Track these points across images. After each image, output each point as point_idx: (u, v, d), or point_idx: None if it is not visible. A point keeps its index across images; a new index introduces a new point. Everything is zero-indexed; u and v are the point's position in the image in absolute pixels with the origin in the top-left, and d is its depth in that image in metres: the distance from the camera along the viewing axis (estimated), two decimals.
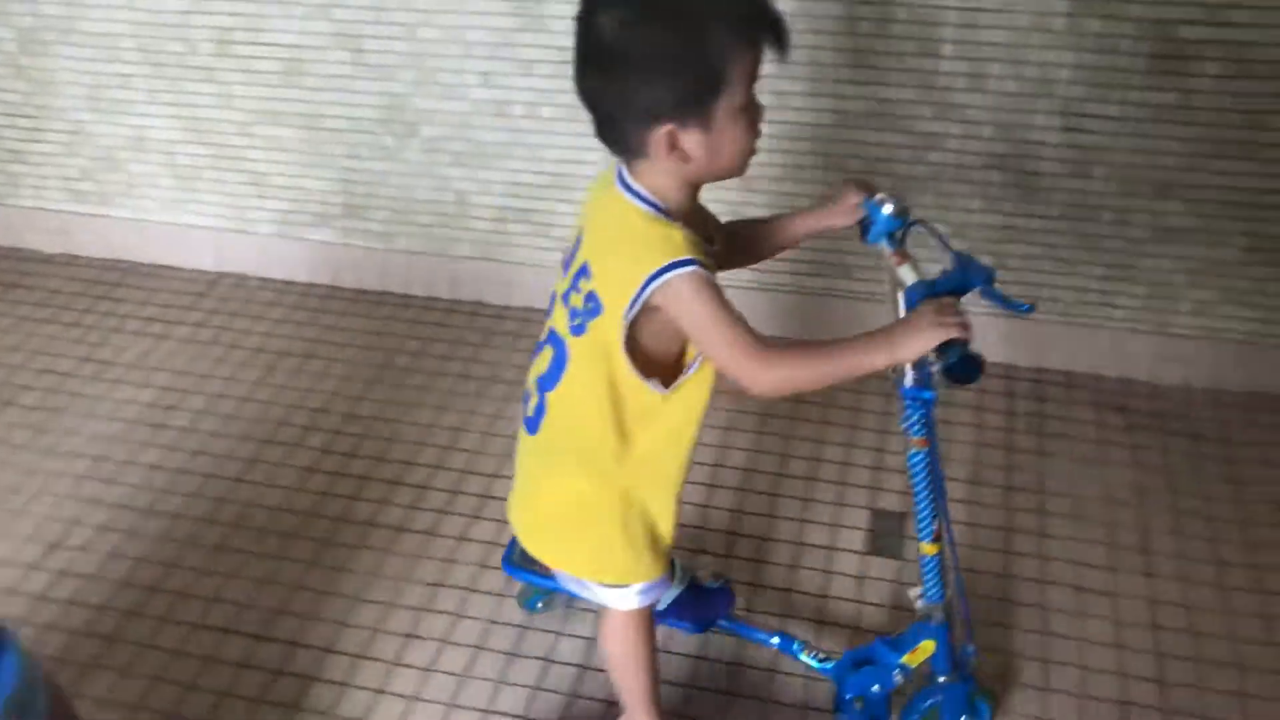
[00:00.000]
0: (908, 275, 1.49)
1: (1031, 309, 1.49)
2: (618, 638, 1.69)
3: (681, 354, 1.46)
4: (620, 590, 1.62)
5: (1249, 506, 2.25)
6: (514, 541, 1.90)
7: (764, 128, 2.50)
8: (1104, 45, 2.21)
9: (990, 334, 2.56)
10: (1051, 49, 2.24)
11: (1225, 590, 2.07)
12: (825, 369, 1.40)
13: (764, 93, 2.43)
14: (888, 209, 1.54)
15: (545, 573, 1.77)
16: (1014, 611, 2.04)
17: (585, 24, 1.34)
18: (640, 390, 1.44)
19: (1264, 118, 2.22)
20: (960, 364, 1.36)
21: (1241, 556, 2.14)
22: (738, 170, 1.42)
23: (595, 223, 1.48)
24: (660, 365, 1.45)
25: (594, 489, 1.54)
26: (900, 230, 1.55)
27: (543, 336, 1.56)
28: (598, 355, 1.43)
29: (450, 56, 2.57)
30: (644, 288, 1.35)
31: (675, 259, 1.35)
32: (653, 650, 1.72)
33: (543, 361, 1.54)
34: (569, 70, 2.45)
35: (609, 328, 1.40)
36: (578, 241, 1.50)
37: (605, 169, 1.49)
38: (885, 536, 2.20)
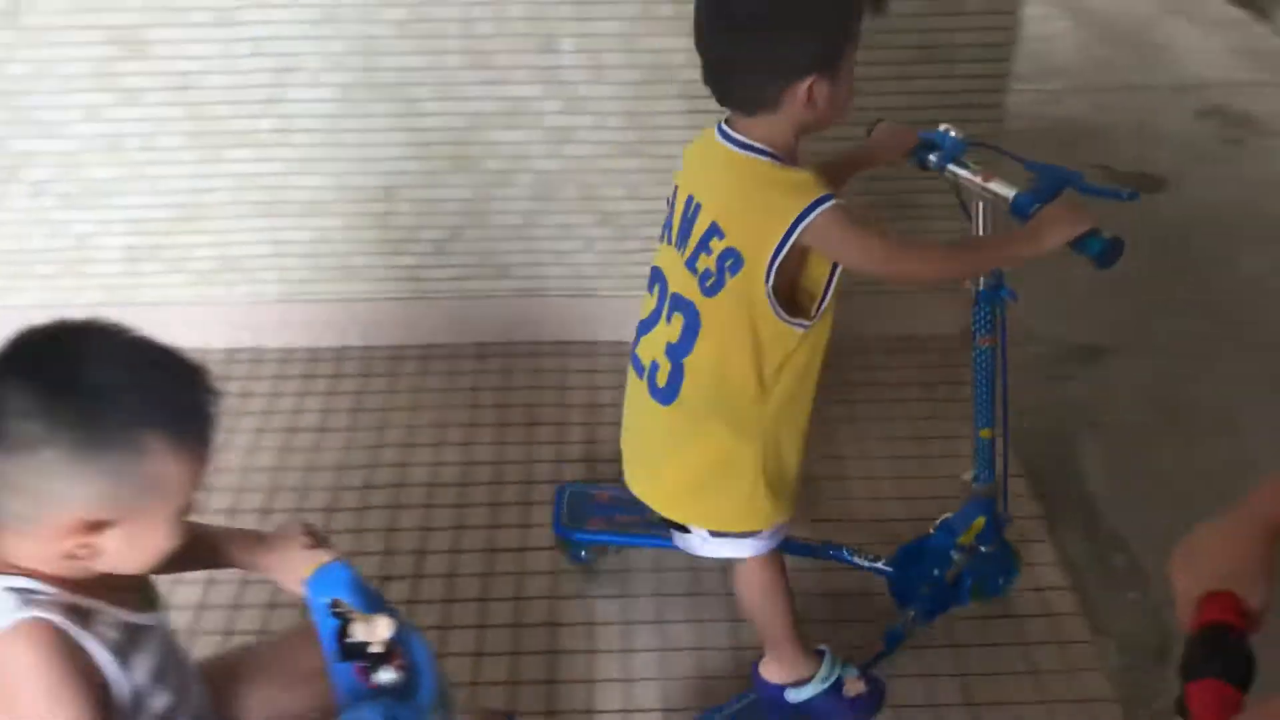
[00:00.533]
0: (1004, 187, 1.60)
1: (1135, 195, 1.57)
2: (756, 581, 1.76)
3: (798, 291, 1.52)
4: (753, 538, 1.69)
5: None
6: (559, 505, 2.07)
7: (396, 135, 2.49)
8: None
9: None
10: (663, 35, 2.32)
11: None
12: (976, 259, 1.63)
13: (394, 100, 2.41)
14: (955, 133, 1.68)
15: (594, 529, 1.98)
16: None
17: None
18: (783, 333, 1.52)
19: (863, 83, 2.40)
20: (1107, 247, 1.50)
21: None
22: (838, 119, 1.52)
23: (714, 184, 1.54)
24: (792, 305, 1.52)
25: (738, 442, 1.60)
26: (964, 153, 1.66)
27: (646, 313, 1.64)
28: (739, 308, 1.50)
29: (46, 92, 2.36)
30: (791, 230, 1.44)
31: (815, 198, 1.45)
32: (787, 583, 1.78)
33: (670, 331, 1.58)
34: (184, 96, 2.36)
35: (752, 278, 1.48)
36: (693, 208, 1.54)
37: (698, 136, 1.60)
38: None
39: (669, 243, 1.60)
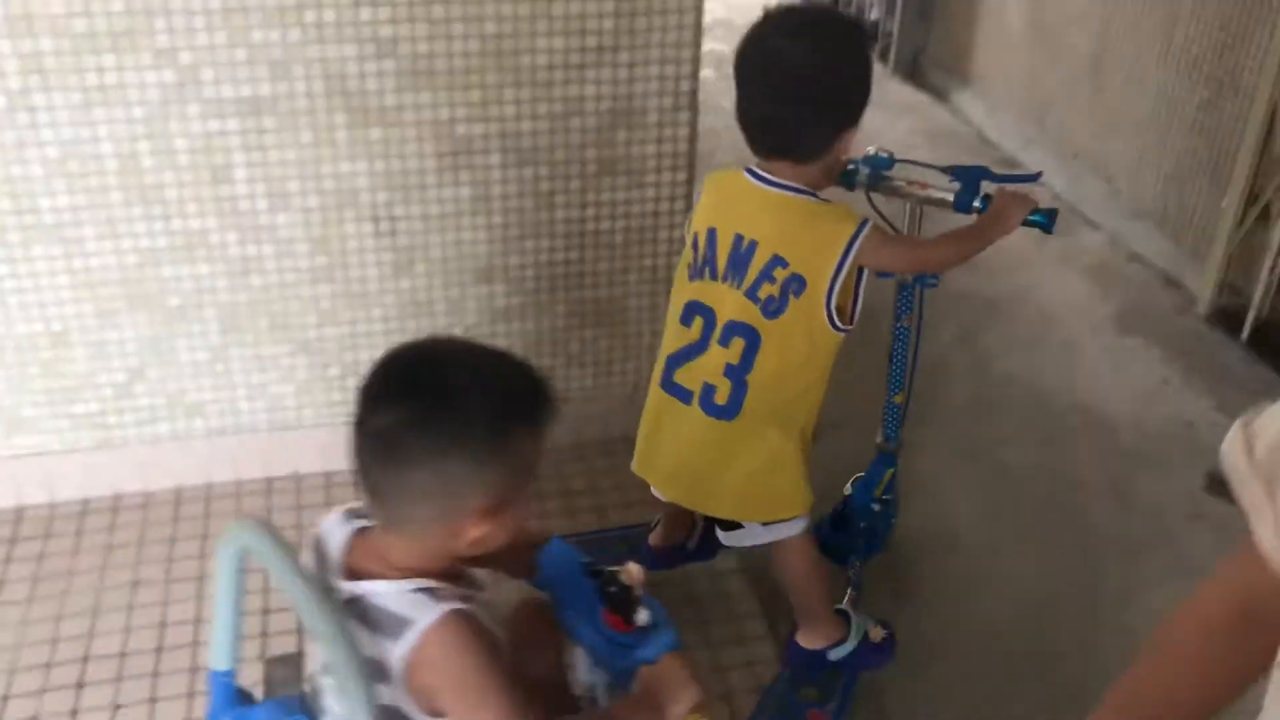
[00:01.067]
0: (943, 191, 1.86)
1: (1037, 177, 1.95)
2: (799, 558, 1.99)
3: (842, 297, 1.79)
4: (798, 519, 1.94)
5: None
6: None
7: (60, 279, 2.31)
8: (391, 151, 2.27)
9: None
10: (343, 160, 2.26)
11: None
12: (967, 247, 1.84)
13: (54, 241, 2.23)
14: (882, 153, 1.89)
15: None
16: None
17: (778, 64, 1.72)
18: (830, 339, 1.79)
19: (552, 198, 2.41)
20: (1048, 218, 1.82)
21: None
22: None
23: (766, 223, 1.76)
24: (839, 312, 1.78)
25: (785, 439, 1.86)
26: (891, 168, 1.89)
27: (682, 345, 1.85)
28: (800, 324, 1.76)
29: None
30: (846, 253, 1.72)
31: (858, 224, 1.74)
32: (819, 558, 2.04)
33: (729, 354, 1.80)
34: None
35: (814, 297, 1.74)
36: (746, 245, 1.76)
37: (717, 184, 1.84)
38: (282, 683, 2.08)
39: (713, 279, 1.81)
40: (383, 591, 1.26)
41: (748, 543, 1.99)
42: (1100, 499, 2.66)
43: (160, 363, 2.39)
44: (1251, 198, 3.19)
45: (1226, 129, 3.32)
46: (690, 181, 2.48)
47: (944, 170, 1.87)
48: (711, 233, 1.81)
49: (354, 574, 1.29)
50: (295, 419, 2.52)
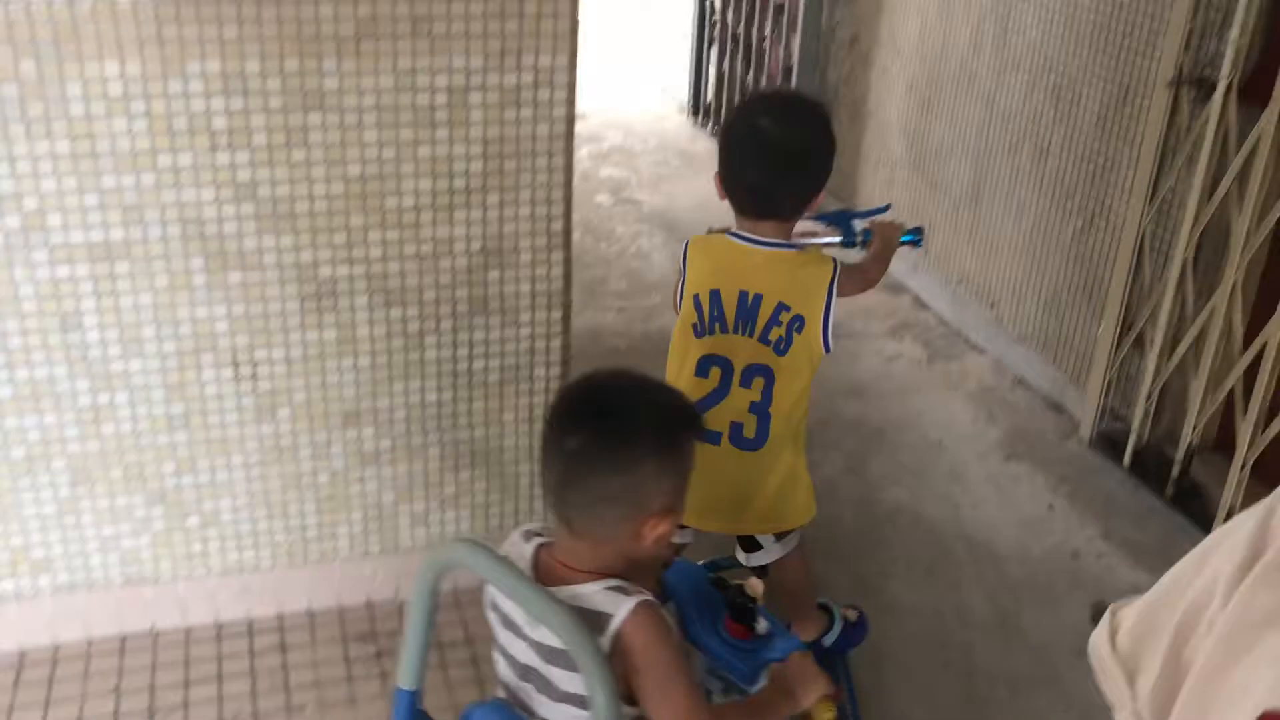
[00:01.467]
0: (831, 234, 2.21)
1: (887, 208, 2.33)
2: (801, 562, 2.23)
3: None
4: (800, 530, 2.19)
5: None
6: None
7: None
8: (252, 295, 2.21)
9: (223, 592, 2.43)
10: (200, 304, 2.19)
11: None
12: (880, 265, 2.19)
13: None
14: None
15: None
16: None
17: (768, 141, 2.00)
18: (821, 358, 2.06)
19: (422, 338, 2.36)
20: (917, 234, 2.25)
21: None
22: None
23: (764, 277, 2.03)
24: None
25: (796, 455, 2.12)
26: None
27: (705, 393, 2.04)
28: (803, 354, 2.03)
29: None
30: (830, 290, 2.01)
31: (832, 264, 2.04)
32: None
33: (752, 393, 2.04)
34: None
35: (812, 330, 2.02)
36: (751, 299, 2.02)
37: (708, 251, 2.08)
38: None
39: (724, 332, 2.05)
40: (583, 592, 1.41)
41: (768, 559, 2.17)
42: (986, 634, 2.63)
43: (2, 518, 2.26)
44: (1126, 326, 3.26)
45: (1099, 257, 3.40)
46: (566, 319, 2.45)
47: (819, 219, 2.19)
48: (715, 293, 2.05)
49: (548, 582, 1.44)
50: (152, 572, 2.39)
